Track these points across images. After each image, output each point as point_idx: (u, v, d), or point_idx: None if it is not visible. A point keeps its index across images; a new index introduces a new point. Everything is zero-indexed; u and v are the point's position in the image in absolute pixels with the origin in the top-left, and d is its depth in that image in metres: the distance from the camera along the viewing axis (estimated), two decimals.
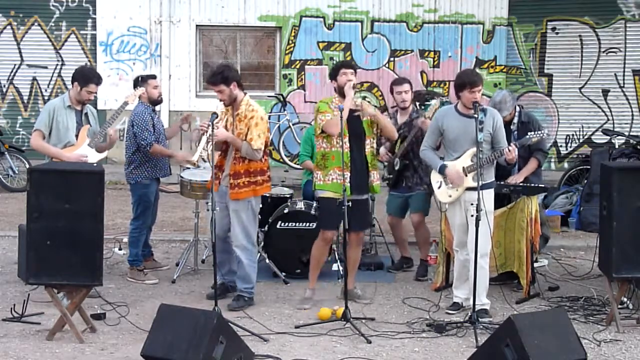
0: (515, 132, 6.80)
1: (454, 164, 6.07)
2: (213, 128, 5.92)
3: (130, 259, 7.09)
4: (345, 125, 6.08)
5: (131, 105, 6.90)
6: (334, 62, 13.24)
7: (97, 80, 6.46)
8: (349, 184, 6.10)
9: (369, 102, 6.65)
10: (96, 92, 6.55)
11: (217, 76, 6.20)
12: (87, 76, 6.42)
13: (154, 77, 7.32)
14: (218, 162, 6.28)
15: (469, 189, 6.01)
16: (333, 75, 6.36)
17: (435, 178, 6.26)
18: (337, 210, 6.01)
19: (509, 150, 5.93)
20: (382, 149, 7.39)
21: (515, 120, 6.85)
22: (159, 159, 7.11)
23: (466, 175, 6.02)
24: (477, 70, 12.10)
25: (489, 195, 6.03)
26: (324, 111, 6.20)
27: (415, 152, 6.99)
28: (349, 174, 6.14)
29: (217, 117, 5.97)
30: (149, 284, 6.94)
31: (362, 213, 6.35)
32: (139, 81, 7.18)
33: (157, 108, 7.46)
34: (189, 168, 7.52)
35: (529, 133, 6.33)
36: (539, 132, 6.25)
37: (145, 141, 6.89)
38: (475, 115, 5.87)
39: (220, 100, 6.15)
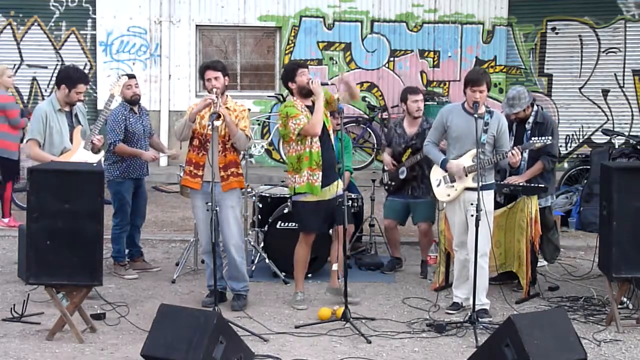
0: (529, 132, 6.74)
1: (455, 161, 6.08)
2: (214, 128, 5.93)
3: (114, 255, 7.20)
4: None
5: (117, 99, 6.91)
6: (334, 62, 13.34)
7: (85, 79, 6.39)
8: (319, 184, 6.16)
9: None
10: (83, 91, 6.40)
11: (219, 63, 6.31)
12: (73, 77, 6.29)
13: (131, 76, 7.26)
14: (194, 159, 6.23)
15: (468, 189, 6.01)
16: (290, 77, 6.29)
17: (434, 176, 6.27)
18: (318, 212, 6.13)
19: (513, 154, 5.93)
20: (387, 157, 7.38)
21: (531, 119, 6.76)
22: (134, 159, 7.13)
23: (466, 176, 6.02)
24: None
25: (488, 196, 6.03)
26: (295, 115, 6.17)
27: (423, 165, 7.11)
28: (320, 174, 6.16)
29: (216, 117, 5.95)
30: (128, 279, 7.01)
31: (341, 212, 6.22)
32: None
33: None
34: None
35: (532, 138, 6.32)
36: (543, 138, 6.21)
37: (109, 140, 6.90)
38: (475, 115, 5.87)
39: (214, 88, 6.08)
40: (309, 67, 13.30)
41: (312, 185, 6.18)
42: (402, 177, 7.26)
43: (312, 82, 6.20)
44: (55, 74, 13.41)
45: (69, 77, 6.30)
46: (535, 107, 6.83)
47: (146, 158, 7.23)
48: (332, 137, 6.35)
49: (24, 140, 6.48)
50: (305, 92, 6.25)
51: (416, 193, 7.26)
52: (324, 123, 6.22)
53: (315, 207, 6.23)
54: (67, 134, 6.29)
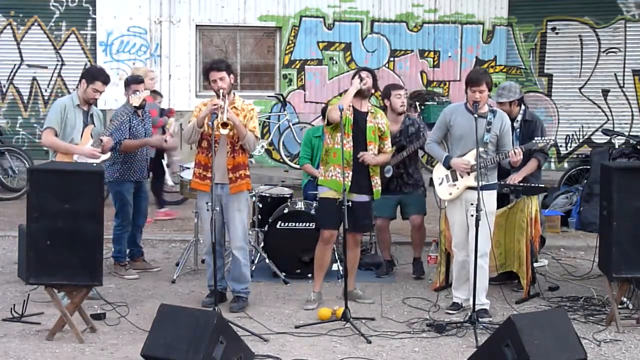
0: (518, 130, 6.79)
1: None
2: (214, 127, 5.93)
3: (114, 255, 7.22)
4: (350, 125, 6.15)
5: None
6: (334, 62, 13.35)
7: (104, 78, 6.48)
8: (349, 183, 6.12)
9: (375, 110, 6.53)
10: (103, 91, 6.53)
11: (222, 63, 6.25)
12: (93, 74, 6.47)
13: (138, 81, 7.30)
14: (203, 161, 6.21)
15: (470, 188, 5.99)
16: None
17: (437, 175, 6.24)
18: (335, 210, 6.06)
19: (515, 153, 5.92)
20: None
21: (519, 118, 6.83)
22: (134, 162, 7.14)
23: (468, 174, 6.00)
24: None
25: (491, 196, 6.03)
26: (333, 104, 6.23)
27: (408, 162, 7.16)
28: (350, 173, 6.15)
29: (217, 117, 5.95)
30: (128, 279, 7.03)
31: (359, 215, 6.27)
32: (125, 83, 7.28)
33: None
34: (188, 168, 7.55)
35: (535, 138, 6.32)
36: (546, 139, 6.23)
37: (115, 139, 6.90)
38: (475, 115, 5.87)
39: (219, 89, 6.06)
40: (309, 66, 13.51)
41: (340, 184, 6.11)
42: (387, 175, 7.18)
43: (356, 77, 6.28)
44: (55, 74, 13.49)
45: (89, 73, 6.51)
46: (522, 107, 6.87)
47: (154, 142, 7.24)
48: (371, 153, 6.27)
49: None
50: (359, 94, 6.27)
51: (406, 189, 7.24)
52: (365, 139, 6.22)
53: (334, 204, 6.16)
54: (80, 131, 6.39)
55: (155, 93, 9.82)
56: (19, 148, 11.89)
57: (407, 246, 8.11)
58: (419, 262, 7.35)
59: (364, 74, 6.34)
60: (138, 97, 6.87)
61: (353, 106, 6.23)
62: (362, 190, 6.25)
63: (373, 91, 6.42)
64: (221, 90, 6.05)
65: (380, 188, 6.41)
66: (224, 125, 5.90)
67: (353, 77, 6.39)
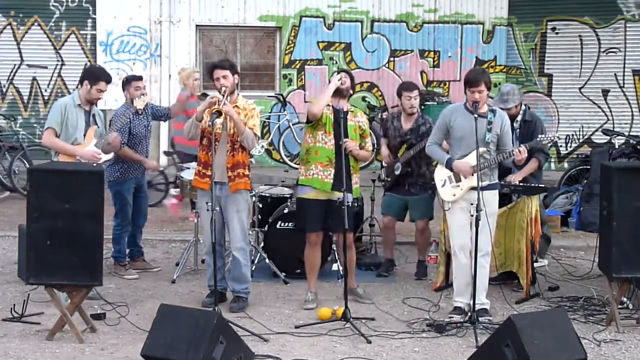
0: (518, 130, 6.79)
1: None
2: (213, 125, 5.94)
3: (114, 255, 7.23)
4: (331, 124, 6.20)
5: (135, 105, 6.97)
6: (334, 62, 13.35)
7: (107, 78, 6.49)
8: (330, 181, 6.14)
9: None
10: (106, 90, 6.52)
11: (226, 62, 6.36)
12: (96, 74, 6.46)
13: (138, 78, 7.33)
14: (203, 159, 6.23)
15: (473, 188, 5.95)
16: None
17: (439, 176, 6.19)
18: (320, 211, 6.16)
19: (519, 151, 5.90)
20: (385, 150, 7.35)
21: (519, 118, 6.83)
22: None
23: (472, 175, 5.96)
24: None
25: (494, 196, 6.00)
26: (313, 102, 6.29)
27: (418, 160, 7.11)
28: (332, 171, 6.16)
29: (217, 116, 5.95)
30: (128, 279, 7.04)
31: (342, 214, 6.12)
32: (124, 83, 7.27)
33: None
34: (188, 168, 7.55)
35: (539, 136, 6.30)
36: (550, 136, 6.22)
37: None
38: (475, 115, 5.85)
39: (222, 87, 6.10)
40: (309, 66, 13.50)
41: (322, 182, 6.16)
42: (397, 172, 7.22)
43: (335, 75, 6.36)
44: (55, 74, 13.49)
45: (92, 74, 6.48)
46: (523, 107, 6.88)
47: (149, 166, 7.28)
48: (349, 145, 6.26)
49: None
50: (337, 93, 6.30)
51: (414, 190, 7.23)
52: (347, 137, 6.20)
53: (315, 205, 6.22)
54: (82, 131, 6.39)
55: (203, 96, 9.79)
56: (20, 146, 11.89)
57: (407, 246, 8.13)
58: (423, 264, 7.35)
59: (342, 74, 6.40)
60: (142, 100, 6.87)
61: (332, 105, 6.25)
62: (342, 189, 6.23)
63: (351, 92, 6.46)
64: (223, 88, 6.07)
65: (358, 186, 6.45)
66: (218, 114, 5.92)
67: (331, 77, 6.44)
